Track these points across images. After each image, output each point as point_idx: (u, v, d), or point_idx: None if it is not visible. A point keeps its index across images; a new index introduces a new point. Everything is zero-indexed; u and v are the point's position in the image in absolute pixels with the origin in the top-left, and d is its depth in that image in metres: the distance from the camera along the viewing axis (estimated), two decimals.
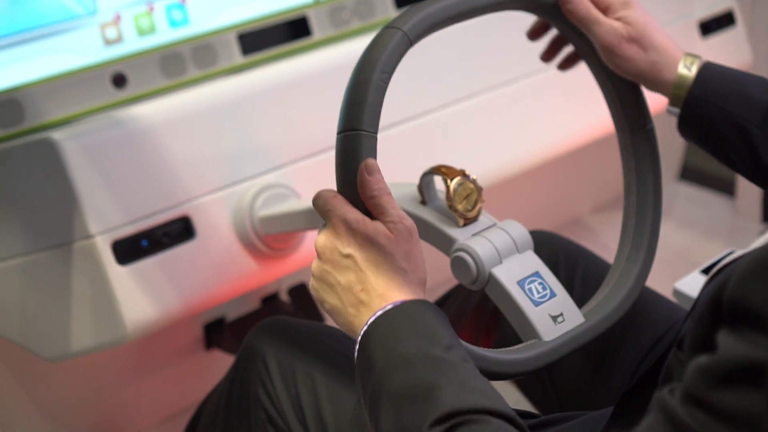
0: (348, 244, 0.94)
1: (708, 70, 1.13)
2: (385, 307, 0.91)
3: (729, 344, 0.73)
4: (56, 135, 1.33)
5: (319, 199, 0.97)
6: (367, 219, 0.95)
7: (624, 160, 1.20)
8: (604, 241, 2.27)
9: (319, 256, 0.96)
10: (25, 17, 1.47)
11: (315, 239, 0.97)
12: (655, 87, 1.14)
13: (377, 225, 0.95)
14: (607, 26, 1.12)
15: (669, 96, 1.14)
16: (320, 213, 0.97)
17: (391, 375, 0.86)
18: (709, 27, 1.97)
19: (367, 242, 0.94)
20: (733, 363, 0.71)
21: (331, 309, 0.96)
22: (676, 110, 1.14)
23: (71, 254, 1.35)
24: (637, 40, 1.12)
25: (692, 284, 1.36)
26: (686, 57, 1.13)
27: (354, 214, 0.95)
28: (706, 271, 1.39)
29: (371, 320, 0.90)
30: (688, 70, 1.13)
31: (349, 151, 0.97)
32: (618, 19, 1.12)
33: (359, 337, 0.91)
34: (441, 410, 0.82)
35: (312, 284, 0.97)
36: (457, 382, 0.85)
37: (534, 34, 1.25)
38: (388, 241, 0.94)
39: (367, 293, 0.92)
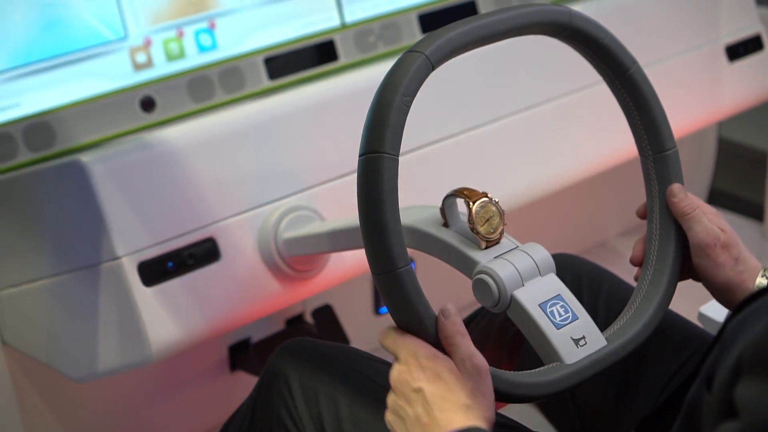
0: (418, 379, 0.98)
1: None
2: None
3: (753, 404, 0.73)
4: (85, 158, 1.35)
5: (387, 339, 1.01)
6: (438, 354, 0.99)
7: (647, 185, 1.20)
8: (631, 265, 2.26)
9: (393, 390, 1.00)
10: (56, 42, 1.49)
11: (389, 373, 1.01)
12: (733, 295, 1.13)
13: (446, 362, 0.98)
14: (709, 227, 1.14)
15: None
16: (391, 350, 1.01)
17: None
18: (737, 51, 1.97)
19: (436, 377, 0.97)
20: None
21: None
22: None
23: (98, 276, 1.37)
24: (728, 248, 1.14)
25: (717, 308, 1.35)
26: (764, 270, 1.14)
27: (424, 350, 0.99)
28: None
29: None
30: (766, 279, 1.13)
31: (371, 174, 0.97)
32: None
33: None
34: None
35: (387, 417, 1.01)
36: None
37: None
38: (456, 378, 0.97)
39: (431, 426, 0.96)
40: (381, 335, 1.02)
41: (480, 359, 0.99)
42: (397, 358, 1.01)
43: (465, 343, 0.99)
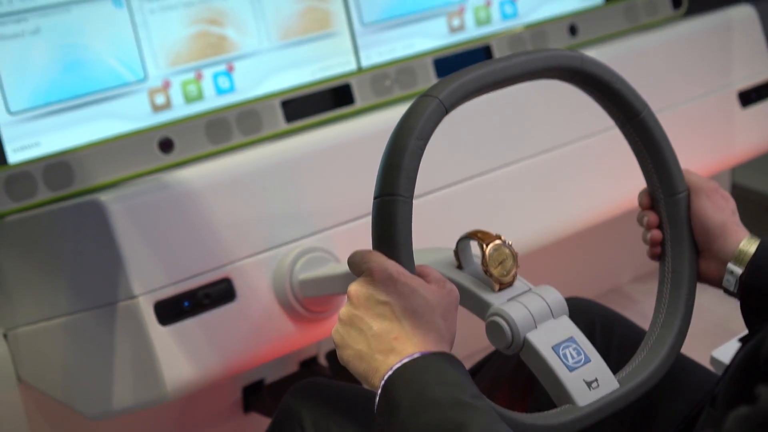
0: (386, 293, 0.95)
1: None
2: (413, 354, 0.92)
3: None
4: (104, 197, 1.36)
5: (356, 255, 0.99)
6: (409, 273, 0.97)
7: (660, 227, 1.21)
8: (644, 310, 2.26)
9: (350, 302, 0.97)
10: (77, 83, 1.52)
11: (349, 287, 0.98)
12: (726, 240, 1.17)
13: (420, 280, 0.97)
14: (704, 178, 1.21)
15: (734, 254, 1.16)
16: (356, 266, 0.99)
17: (418, 416, 0.87)
18: (749, 97, 1.98)
19: (412, 293, 0.95)
20: None
21: (354, 354, 0.96)
22: (738, 269, 1.15)
23: (114, 314, 1.38)
24: (727, 200, 1.21)
25: (730, 352, 1.35)
26: (751, 235, 1.19)
27: (396, 266, 0.97)
28: (744, 339, 1.38)
29: (398, 365, 0.91)
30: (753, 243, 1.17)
31: (385, 215, 0.99)
32: None
33: (383, 380, 0.92)
34: None
35: (337, 329, 0.98)
36: (485, 423, 0.86)
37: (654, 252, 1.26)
38: (433, 294, 0.96)
39: (400, 341, 0.93)
40: (352, 254, 0.99)
41: (453, 285, 0.98)
42: (360, 274, 0.98)
43: (435, 271, 0.99)
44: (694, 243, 1.19)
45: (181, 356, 1.38)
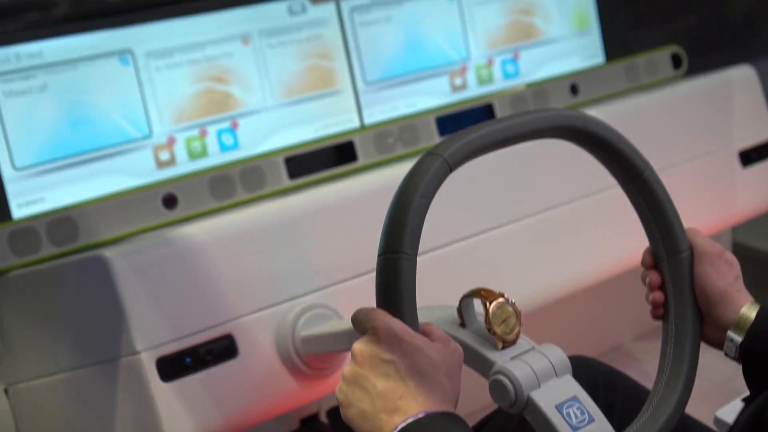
0: (390, 352, 0.95)
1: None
2: (418, 414, 0.92)
3: None
4: (108, 253, 1.36)
5: (360, 313, 0.99)
6: (414, 331, 0.97)
7: (663, 287, 1.21)
8: (647, 368, 2.25)
9: (355, 361, 0.97)
10: (83, 140, 1.53)
11: (353, 345, 0.98)
12: (727, 308, 1.17)
13: (425, 338, 0.97)
14: (715, 243, 1.20)
15: (734, 322, 1.16)
16: (361, 324, 0.99)
17: None
18: (750, 157, 2.00)
19: (416, 352, 0.95)
20: None
21: (358, 413, 0.96)
22: (738, 338, 1.15)
23: (117, 370, 1.37)
24: (731, 266, 1.20)
25: (734, 413, 1.34)
26: (754, 301, 1.19)
27: (400, 325, 0.97)
28: (748, 400, 1.37)
29: (402, 425, 0.91)
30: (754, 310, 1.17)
31: (389, 273, 0.99)
32: None
33: None
34: None
35: (341, 387, 0.97)
36: None
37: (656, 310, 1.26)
38: (437, 353, 0.96)
39: (405, 401, 0.93)
40: (356, 311, 0.99)
41: (456, 344, 0.99)
42: (364, 332, 0.98)
43: (440, 329, 0.99)
44: (697, 303, 1.19)
45: (183, 413, 1.37)
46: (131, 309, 1.35)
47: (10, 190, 1.47)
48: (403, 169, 1.04)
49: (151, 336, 1.36)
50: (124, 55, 1.56)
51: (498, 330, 1.11)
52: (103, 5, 1.58)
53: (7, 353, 1.50)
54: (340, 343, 1.40)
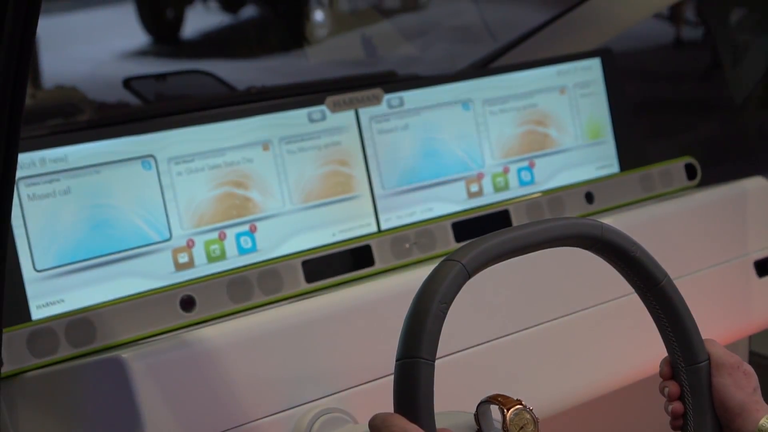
0: None
1: None
2: None
3: None
4: (125, 354, 1.37)
5: (377, 419, 0.99)
6: None
7: (682, 397, 1.20)
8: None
9: None
10: (103, 242, 1.54)
11: None
12: (745, 420, 1.17)
13: None
14: (727, 352, 1.21)
15: None
16: (378, 430, 0.99)
17: None
18: (765, 267, 2.00)
19: None
20: None
21: None
22: None
23: None
24: (749, 377, 1.21)
25: None
26: None
27: (416, 429, 0.97)
28: None
29: None
30: None
31: (408, 378, 0.99)
32: None
33: None
34: None
35: None
36: None
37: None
38: None
39: None
40: (372, 417, 1.00)
41: None
42: None
43: None
44: (716, 414, 1.18)
45: None
46: (148, 411, 1.35)
47: (30, 291, 1.48)
48: (419, 273, 1.05)
49: None
50: (146, 160, 1.59)
51: None
52: (126, 112, 1.62)
53: None
54: None
